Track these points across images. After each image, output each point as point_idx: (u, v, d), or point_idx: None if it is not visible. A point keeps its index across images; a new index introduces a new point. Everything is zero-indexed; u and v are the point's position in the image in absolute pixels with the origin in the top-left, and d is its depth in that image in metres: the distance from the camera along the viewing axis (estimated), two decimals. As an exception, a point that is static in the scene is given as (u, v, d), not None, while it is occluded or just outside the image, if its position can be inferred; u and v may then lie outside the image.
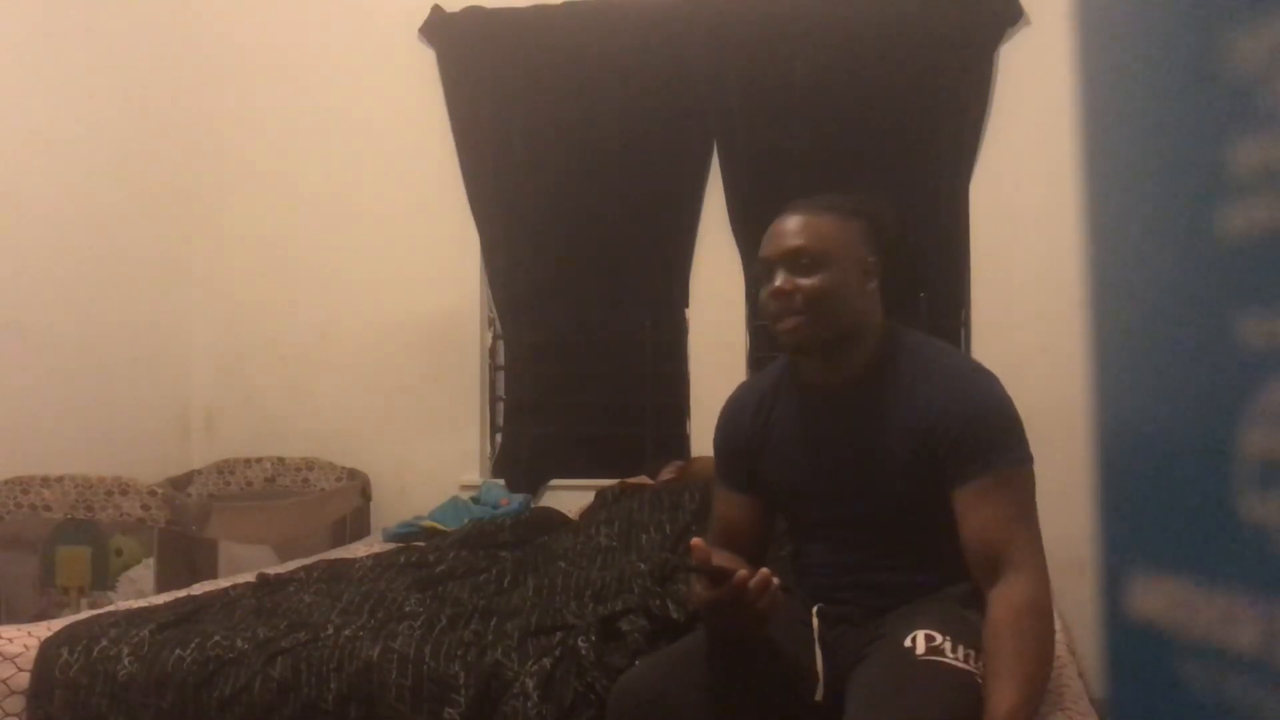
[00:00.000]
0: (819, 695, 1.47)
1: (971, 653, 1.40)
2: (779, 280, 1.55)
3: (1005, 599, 1.38)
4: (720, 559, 1.44)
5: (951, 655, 1.39)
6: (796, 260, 1.55)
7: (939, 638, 1.41)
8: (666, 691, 1.46)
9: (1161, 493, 0.27)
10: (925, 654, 1.39)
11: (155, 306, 3.62)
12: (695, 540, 1.42)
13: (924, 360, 1.59)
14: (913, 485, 1.54)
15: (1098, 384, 0.30)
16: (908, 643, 1.41)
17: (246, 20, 3.77)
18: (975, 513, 1.46)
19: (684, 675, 1.48)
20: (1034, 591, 1.39)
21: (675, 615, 1.85)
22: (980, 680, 1.36)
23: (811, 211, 1.59)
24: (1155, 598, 0.27)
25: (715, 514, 1.78)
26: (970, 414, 1.50)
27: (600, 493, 3.09)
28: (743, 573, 1.38)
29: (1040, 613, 1.39)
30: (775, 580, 1.41)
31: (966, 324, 3.30)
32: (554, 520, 3.01)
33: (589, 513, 2.99)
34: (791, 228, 1.58)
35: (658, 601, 1.91)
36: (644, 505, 2.80)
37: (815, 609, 1.57)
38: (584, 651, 1.76)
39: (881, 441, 1.56)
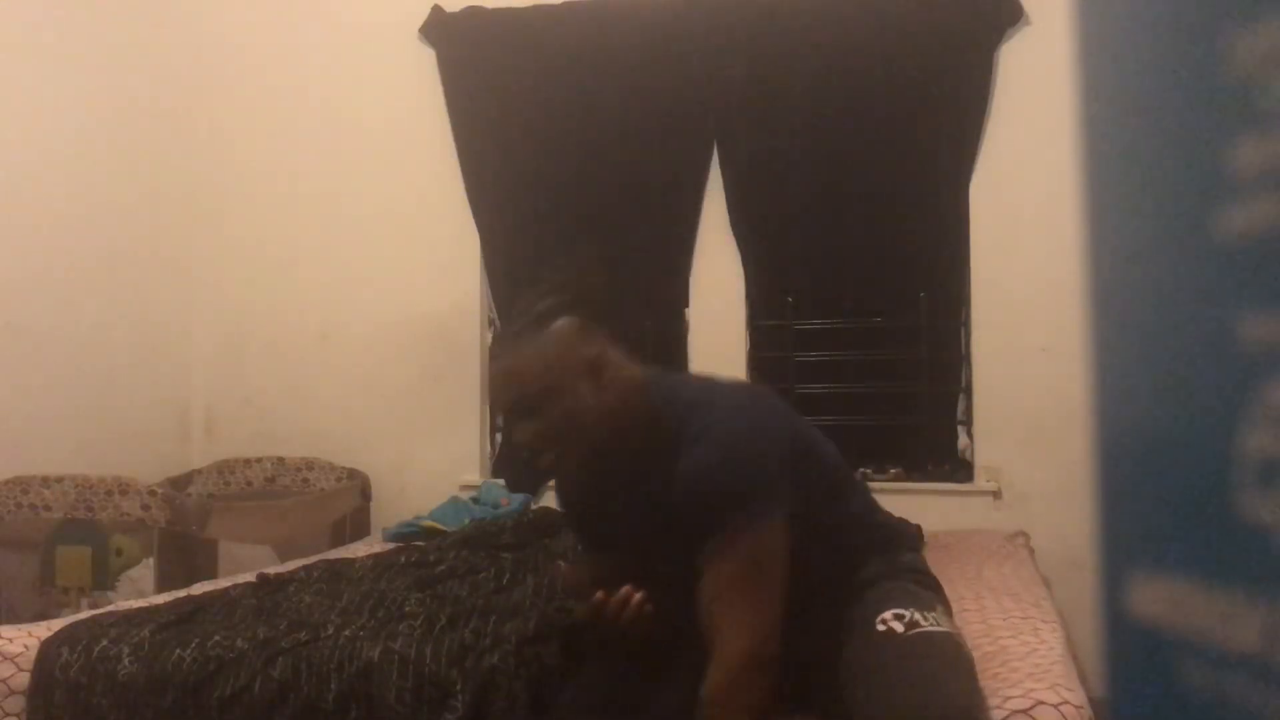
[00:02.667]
0: None
1: (934, 614, 1.47)
2: (514, 434, 1.55)
3: (704, 688, 1.38)
4: (592, 571, 1.48)
5: (927, 624, 1.44)
6: (519, 410, 1.51)
7: (906, 613, 1.45)
8: (614, 688, 1.55)
9: (1161, 493, 0.27)
10: (907, 630, 1.43)
11: (155, 306, 3.62)
12: (563, 566, 1.47)
13: (674, 420, 1.49)
14: (665, 547, 1.52)
15: (1098, 384, 0.30)
16: (881, 628, 1.44)
17: (247, 20, 3.77)
18: (705, 575, 1.41)
19: (620, 688, 1.56)
20: (719, 681, 1.37)
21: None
22: (956, 636, 1.45)
23: (507, 355, 1.52)
24: (1155, 598, 0.27)
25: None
26: (698, 480, 1.43)
27: None
28: (599, 596, 1.43)
29: (719, 704, 1.37)
30: (637, 596, 1.45)
31: (966, 324, 3.30)
32: (556, 520, 3.00)
33: None
34: (499, 381, 1.55)
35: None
36: None
37: None
38: (549, 659, 1.78)
39: (642, 502, 1.54)
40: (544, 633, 1.86)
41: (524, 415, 1.51)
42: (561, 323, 1.50)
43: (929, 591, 1.55)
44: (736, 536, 1.41)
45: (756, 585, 1.41)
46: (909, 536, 1.68)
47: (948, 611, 1.55)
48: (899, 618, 1.44)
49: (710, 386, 1.57)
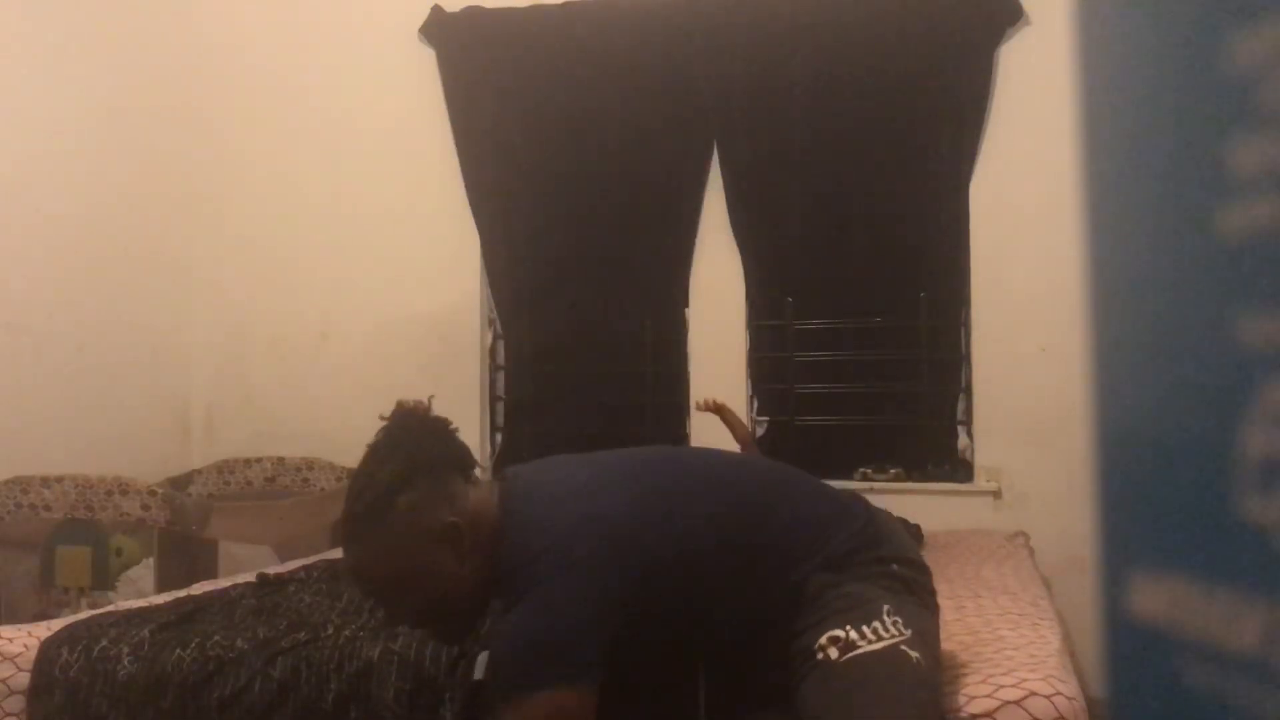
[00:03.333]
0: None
1: (876, 625, 1.36)
2: (388, 620, 1.51)
3: None
4: None
5: (864, 642, 1.35)
6: (383, 602, 1.47)
7: (842, 633, 1.36)
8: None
9: (1161, 493, 0.27)
10: (842, 656, 1.35)
11: (155, 306, 3.62)
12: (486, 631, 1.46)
13: (517, 578, 1.38)
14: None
15: (1098, 384, 0.30)
16: (819, 656, 1.37)
17: (247, 21, 3.77)
18: None
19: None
20: None
21: None
22: (904, 647, 1.35)
23: (355, 549, 1.42)
24: (1155, 598, 0.27)
25: None
26: (493, 646, 1.40)
27: None
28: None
29: None
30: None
31: (966, 324, 3.30)
32: None
33: None
34: (352, 578, 1.46)
35: None
36: None
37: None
38: None
39: None
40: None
41: (391, 605, 1.44)
42: (403, 499, 1.37)
43: (877, 587, 1.42)
44: (521, 708, 1.32)
45: None
46: (854, 520, 1.52)
47: (903, 598, 1.43)
48: (835, 641, 1.36)
49: (555, 530, 1.39)
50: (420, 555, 1.37)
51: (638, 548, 1.39)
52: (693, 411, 3.43)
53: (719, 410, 2.77)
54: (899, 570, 1.47)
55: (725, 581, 1.44)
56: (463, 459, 1.48)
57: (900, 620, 1.38)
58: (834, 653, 1.36)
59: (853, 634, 1.36)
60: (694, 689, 1.52)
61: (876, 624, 1.37)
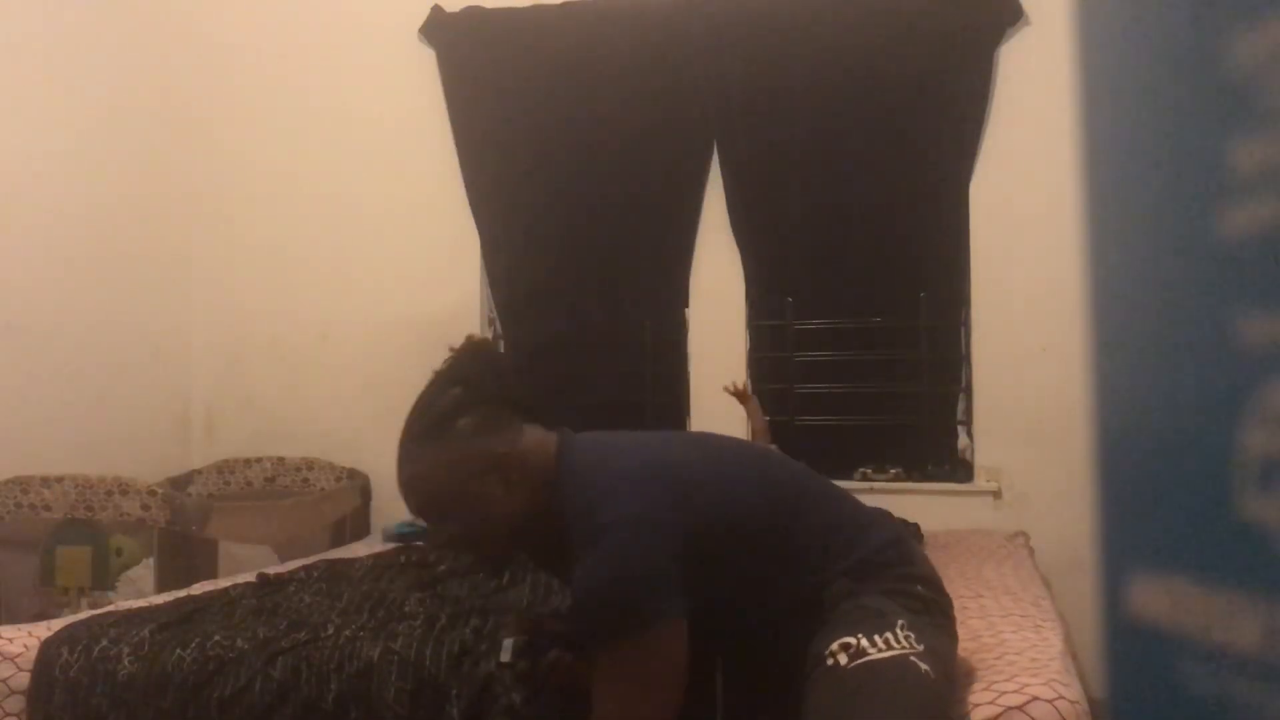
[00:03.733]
0: None
1: (889, 635, 1.37)
2: (430, 539, 1.54)
3: None
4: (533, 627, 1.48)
5: (874, 650, 1.37)
6: (428, 517, 1.50)
7: (853, 640, 1.38)
8: None
9: (1161, 493, 0.27)
10: (851, 663, 1.36)
11: (155, 306, 3.62)
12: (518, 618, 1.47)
13: (575, 519, 1.43)
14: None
15: (1098, 384, 0.30)
16: (829, 661, 1.38)
17: (246, 20, 3.77)
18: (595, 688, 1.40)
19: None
20: None
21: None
22: (915, 659, 1.35)
23: (409, 463, 1.47)
24: (1155, 598, 0.27)
25: None
26: (579, 599, 1.41)
27: None
28: (522, 668, 1.45)
29: None
30: (567, 659, 1.45)
31: (966, 324, 3.30)
32: None
33: None
34: (404, 490, 1.50)
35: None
36: None
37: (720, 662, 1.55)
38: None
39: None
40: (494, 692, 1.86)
41: (435, 521, 1.49)
42: (462, 423, 1.44)
43: (895, 603, 1.44)
44: (609, 653, 1.37)
45: (642, 698, 1.38)
46: (883, 533, 1.55)
47: (921, 618, 1.44)
48: (845, 648, 1.37)
49: (609, 474, 1.45)
50: (469, 478, 1.42)
51: (692, 503, 1.44)
52: (693, 412, 3.43)
53: (744, 398, 2.77)
54: (921, 591, 1.49)
55: (759, 565, 1.46)
56: (522, 398, 1.53)
57: (913, 635, 1.38)
58: (843, 659, 1.37)
59: (864, 642, 1.37)
60: (712, 691, 1.52)
61: (889, 634, 1.38)
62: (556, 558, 1.48)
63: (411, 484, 1.47)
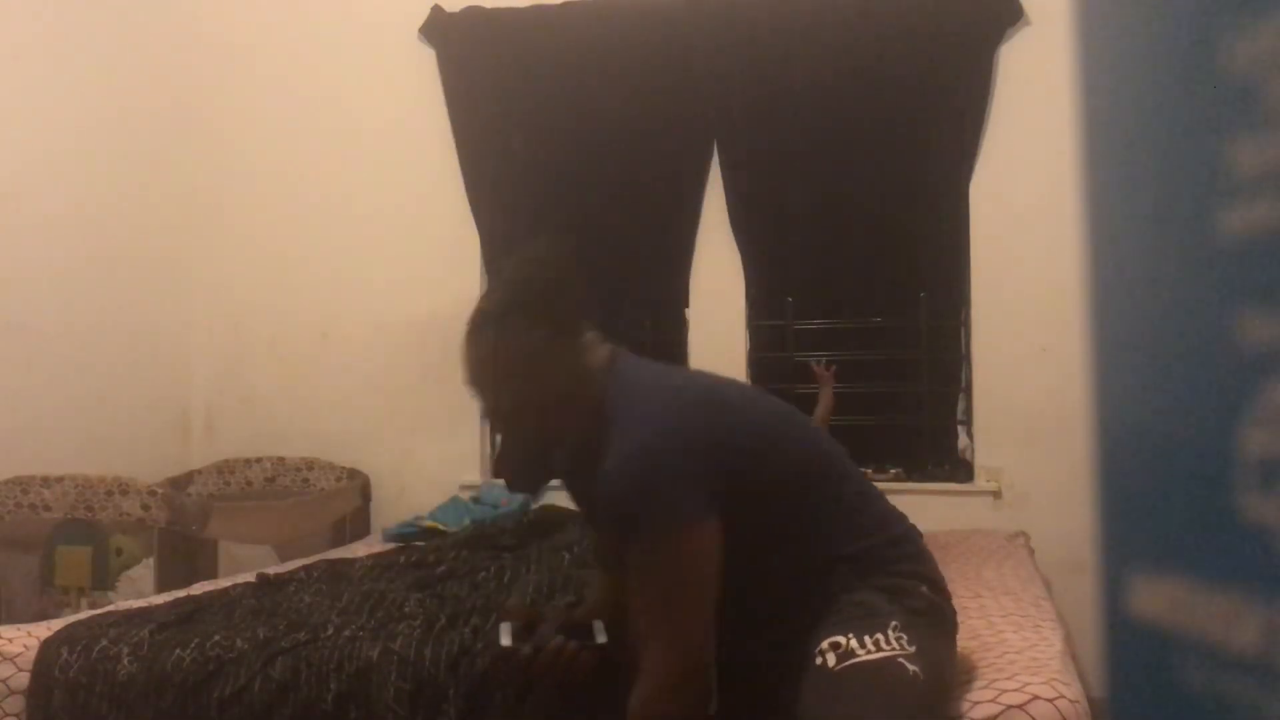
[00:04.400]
0: (712, 709, 1.47)
1: (879, 636, 1.37)
2: (483, 411, 1.60)
3: (630, 703, 1.37)
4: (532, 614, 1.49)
5: (863, 651, 1.37)
6: (473, 390, 1.56)
7: (843, 640, 1.38)
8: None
9: (1161, 493, 0.27)
10: (838, 664, 1.37)
11: (155, 306, 3.62)
12: (511, 602, 1.48)
13: (617, 418, 1.46)
14: (615, 554, 1.51)
15: (1098, 384, 0.30)
16: (818, 661, 1.38)
17: (247, 20, 3.77)
18: (629, 597, 1.41)
19: (583, 703, 1.54)
20: (646, 695, 1.36)
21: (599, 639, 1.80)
22: (903, 661, 1.36)
23: (465, 342, 1.54)
24: (1155, 598, 0.27)
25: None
26: (610, 489, 1.40)
27: None
28: (526, 654, 1.44)
29: (644, 715, 1.36)
30: (570, 646, 1.45)
31: (966, 324, 3.30)
32: (558, 519, 2.98)
33: None
34: (460, 362, 1.57)
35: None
36: None
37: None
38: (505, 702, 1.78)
39: (594, 505, 1.53)
40: (490, 684, 1.86)
41: (488, 398, 1.55)
42: (511, 317, 1.50)
43: (895, 603, 1.43)
44: (650, 545, 1.38)
45: (678, 595, 1.38)
46: (898, 529, 1.56)
47: (918, 619, 1.43)
48: (835, 648, 1.37)
49: (655, 386, 1.52)
50: (502, 368, 1.50)
51: (732, 437, 1.46)
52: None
53: (824, 381, 2.77)
54: (925, 592, 1.48)
55: (776, 522, 1.46)
56: (587, 305, 1.59)
57: (905, 637, 1.38)
58: (831, 659, 1.37)
59: (853, 642, 1.37)
60: (707, 679, 1.52)
61: (879, 635, 1.38)
62: (586, 468, 1.50)
63: (463, 359, 1.54)
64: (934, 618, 1.47)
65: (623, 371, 1.53)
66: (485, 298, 1.57)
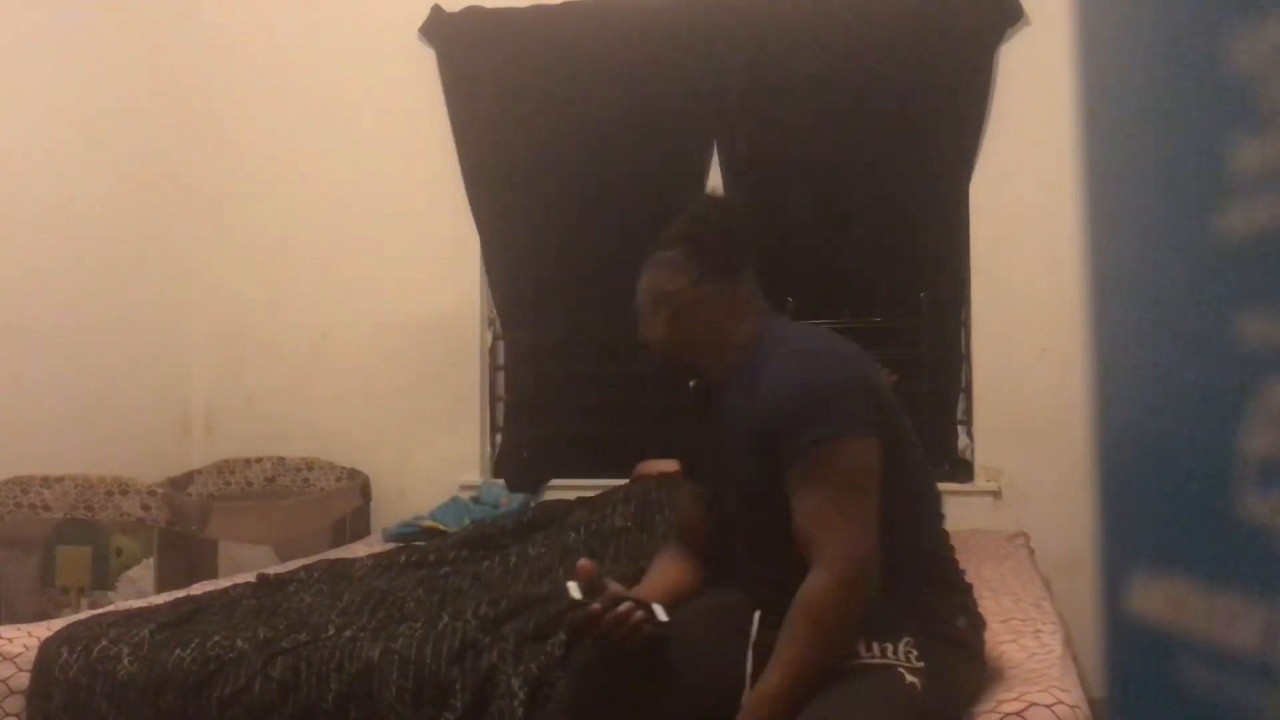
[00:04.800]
0: (746, 699, 1.47)
1: (888, 645, 1.39)
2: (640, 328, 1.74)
3: (802, 590, 1.38)
4: (614, 588, 1.52)
5: (866, 654, 1.39)
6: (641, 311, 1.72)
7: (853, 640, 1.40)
8: (608, 687, 1.54)
9: (1161, 493, 0.27)
10: (842, 661, 1.39)
11: (155, 306, 3.62)
12: (582, 562, 1.52)
13: (771, 353, 1.55)
14: (756, 478, 1.53)
15: (1098, 384, 0.30)
16: None
17: (247, 20, 3.77)
18: (795, 500, 1.43)
19: (625, 672, 1.54)
20: (826, 585, 1.36)
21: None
22: (904, 670, 1.37)
23: (649, 261, 1.72)
24: (1155, 598, 0.27)
25: (679, 504, 1.86)
26: (780, 399, 1.46)
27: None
28: (595, 608, 1.46)
29: (826, 607, 1.37)
30: (639, 614, 1.47)
31: (966, 324, 3.30)
32: (558, 511, 2.95)
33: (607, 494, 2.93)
34: (643, 273, 1.74)
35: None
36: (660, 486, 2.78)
37: (757, 614, 1.55)
38: (551, 649, 1.78)
39: (732, 433, 1.57)
40: (543, 630, 1.87)
41: (650, 315, 1.70)
42: (663, 255, 1.67)
43: (919, 622, 1.45)
44: (824, 448, 1.42)
45: (856, 495, 1.40)
46: (953, 555, 1.60)
47: (940, 645, 1.44)
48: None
49: (814, 333, 1.67)
50: (655, 294, 1.67)
51: (884, 391, 1.56)
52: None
53: None
54: (961, 625, 1.51)
55: (886, 494, 1.47)
56: (754, 261, 1.73)
57: (915, 654, 1.39)
58: None
59: (859, 645, 1.39)
60: (745, 642, 1.54)
61: (889, 645, 1.39)
62: (732, 398, 1.59)
63: (655, 272, 1.69)
64: (959, 648, 1.48)
65: (775, 321, 1.66)
66: (664, 230, 1.70)
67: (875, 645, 1.39)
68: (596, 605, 1.46)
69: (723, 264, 1.65)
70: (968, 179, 3.25)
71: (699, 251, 1.65)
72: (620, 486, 2.96)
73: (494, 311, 3.61)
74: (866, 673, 1.37)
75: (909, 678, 1.36)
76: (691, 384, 1.77)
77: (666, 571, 1.73)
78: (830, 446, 1.42)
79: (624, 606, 1.47)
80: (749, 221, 1.77)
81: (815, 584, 1.37)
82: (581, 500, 2.94)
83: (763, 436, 1.48)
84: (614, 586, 1.53)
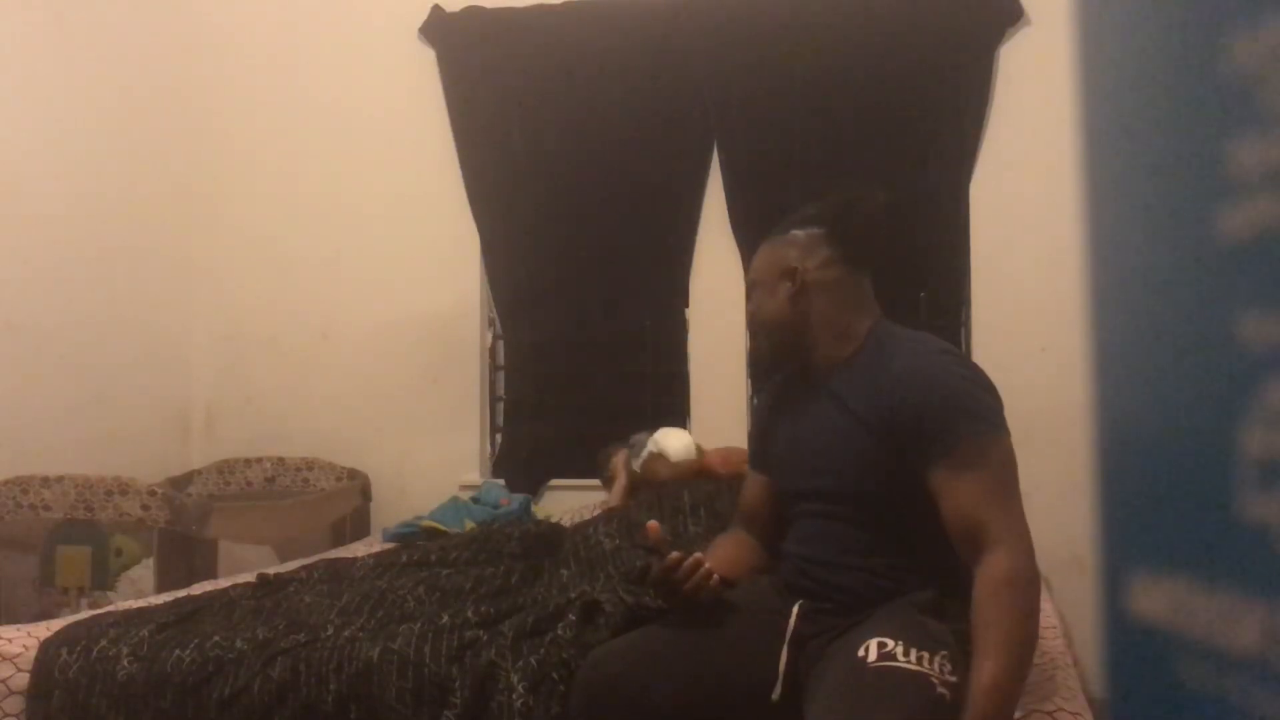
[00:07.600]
0: (776, 695, 1.48)
1: (925, 654, 1.38)
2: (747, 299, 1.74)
3: (984, 575, 1.38)
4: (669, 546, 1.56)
5: (904, 659, 1.38)
6: (749, 285, 1.72)
7: (890, 643, 1.39)
8: (633, 668, 1.54)
9: (1161, 493, 0.27)
10: (877, 661, 1.38)
11: (155, 305, 3.62)
12: (651, 523, 1.56)
13: (894, 345, 1.58)
14: (864, 467, 1.54)
15: (1098, 384, 0.30)
16: (860, 652, 1.40)
17: (247, 20, 3.77)
18: (950, 492, 1.44)
19: (651, 655, 1.56)
20: (1012, 563, 1.38)
21: (654, 603, 1.83)
22: (936, 681, 1.36)
23: (764, 240, 1.71)
24: (1155, 598, 0.27)
25: (741, 493, 1.88)
26: (927, 391, 1.49)
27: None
28: (674, 555, 1.51)
29: (1018, 583, 1.37)
30: (707, 565, 1.52)
31: (966, 324, 3.30)
32: (559, 536, 2.93)
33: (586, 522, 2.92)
34: (762, 246, 1.72)
35: (634, 595, 1.91)
36: (641, 507, 2.78)
37: (798, 605, 1.57)
38: (561, 632, 1.78)
39: (840, 423, 1.57)
40: (542, 625, 1.87)
41: (756, 293, 1.70)
42: (798, 233, 1.66)
43: (958, 642, 1.43)
44: (982, 444, 1.45)
45: (1012, 490, 1.44)
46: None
47: (954, 658, 1.43)
48: (881, 646, 1.40)
49: (928, 337, 1.67)
50: (769, 273, 1.66)
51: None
52: (693, 412, 3.43)
53: None
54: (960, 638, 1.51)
55: (920, 509, 1.49)
56: (885, 271, 1.75)
57: (950, 668, 1.39)
58: (873, 654, 1.39)
59: (898, 649, 1.39)
60: (783, 629, 1.56)
61: (925, 654, 1.39)
62: (811, 375, 1.64)
63: (767, 249, 1.69)
64: (956, 654, 1.48)
65: (886, 321, 1.67)
66: (805, 207, 1.69)
67: (914, 652, 1.38)
68: (675, 554, 1.50)
69: (859, 254, 1.65)
70: (968, 179, 3.25)
71: (839, 235, 1.64)
72: (609, 510, 2.91)
73: (494, 311, 3.61)
74: (900, 675, 1.37)
75: (939, 689, 1.36)
76: (775, 379, 1.78)
77: (727, 548, 1.78)
78: (990, 439, 1.46)
79: (697, 557, 1.52)
80: (895, 223, 1.76)
81: (1001, 565, 1.38)
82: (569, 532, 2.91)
83: (889, 425, 1.50)
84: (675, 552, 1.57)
